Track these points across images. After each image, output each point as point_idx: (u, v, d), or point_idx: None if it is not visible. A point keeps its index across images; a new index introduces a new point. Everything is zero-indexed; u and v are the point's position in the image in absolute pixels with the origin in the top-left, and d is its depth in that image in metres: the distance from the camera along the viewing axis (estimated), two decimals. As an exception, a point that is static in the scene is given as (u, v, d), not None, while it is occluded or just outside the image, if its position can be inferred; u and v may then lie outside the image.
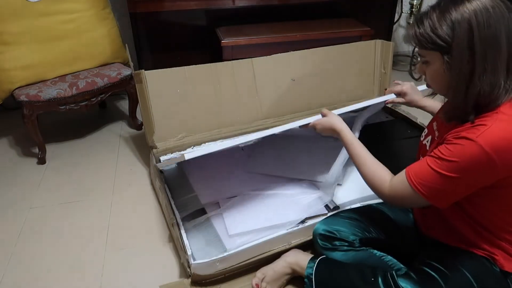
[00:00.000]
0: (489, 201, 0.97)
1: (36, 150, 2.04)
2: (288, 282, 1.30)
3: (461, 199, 0.97)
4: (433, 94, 1.17)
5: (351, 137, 1.18)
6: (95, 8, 2.07)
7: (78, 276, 1.39)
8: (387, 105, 1.46)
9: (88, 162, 2.02)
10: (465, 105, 0.90)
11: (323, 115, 1.30)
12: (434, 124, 1.12)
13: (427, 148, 1.10)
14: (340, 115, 1.30)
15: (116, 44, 2.18)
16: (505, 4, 0.86)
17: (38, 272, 1.41)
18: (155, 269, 1.40)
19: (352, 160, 1.16)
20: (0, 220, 1.65)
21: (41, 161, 2.01)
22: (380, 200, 1.40)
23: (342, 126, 1.21)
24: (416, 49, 0.98)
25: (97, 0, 2.08)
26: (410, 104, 1.43)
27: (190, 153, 1.27)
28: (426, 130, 1.16)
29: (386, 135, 1.81)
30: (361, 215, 1.25)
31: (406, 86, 1.43)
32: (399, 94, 1.45)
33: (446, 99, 1.03)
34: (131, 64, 1.85)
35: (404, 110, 2.10)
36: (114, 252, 1.48)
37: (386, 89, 1.49)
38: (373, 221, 1.23)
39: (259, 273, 1.28)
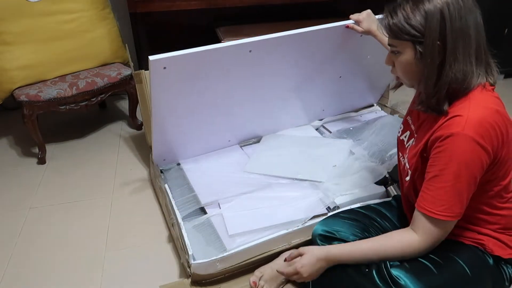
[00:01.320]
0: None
1: (36, 150, 2.04)
2: (287, 281, 1.30)
3: None
4: (395, 88, 1.18)
5: (343, 248, 1.05)
6: (95, 8, 2.07)
7: (78, 276, 1.39)
8: (347, 28, 1.60)
9: (88, 162, 2.02)
10: (438, 94, 0.93)
11: (300, 254, 1.09)
12: (409, 118, 1.14)
13: (405, 143, 1.12)
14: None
15: (116, 44, 2.18)
16: (473, 0, 0.91)
17: (38, 272, 1.41)
18: (155, 269, 1.40)
19: (369, 261, 1.04)
20: (0, 220, 1.65)
21: (41, 161, 2.01)
22: (379, 200, 1.42)
23: (324, 250, 1.06)
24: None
25: (97, 0, 2.08)
26: (366, 32, 1.54)
27: (156, 55, 1.24)
28: (401, 125, 1.18)
29: (386, 135, 1.82)
30: (361, 215, 1.25)
31: (363, 15, 1.54)
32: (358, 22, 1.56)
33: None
34: (131, 64, 1.85)
35: (404, 110, 2.10)
36: (114, 252, 1.48)
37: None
38: (372, 221, 1.23)
39: (257, 272, 1.28)
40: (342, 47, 1.70)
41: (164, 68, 1.29)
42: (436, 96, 0.93)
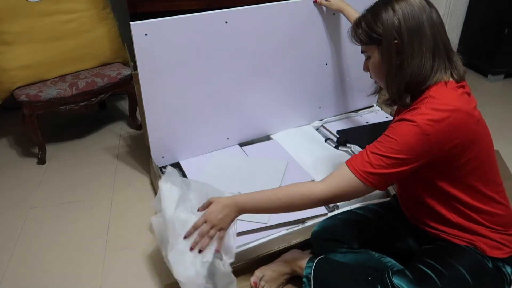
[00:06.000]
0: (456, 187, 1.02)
1: (36, 150, 2.04)
2: (287, 281, 1.30)
3: (432, 186, 1.02)
4: (376, 93, 1.22)
5: (249, 195, 1.04)
6: (95, 8, 2.07)
7: (78, 276, 1.39)
8: (314, 3, 1.71)
9: (88, 162, 2.02)
10: (398, 88, 1.01)
11: (209, 203, 1.07)
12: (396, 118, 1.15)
13: None
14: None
15: (116, 44, 2.18)
16: (426, 1, 0.99)
17: (38, 273, 1.41)
18: (155, 269, 1.41)
19: (275, 208, 1.04)
20: (0, 220, 1.66)
21: (41, 161, 2.01)
22: (380, 201, 1.42)
23: (231, 197, 1.04)
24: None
25: (97, 0, 2.08)
26: (331, 6, 1.67)
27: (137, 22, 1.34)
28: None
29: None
30: (359, 216, 1.26)
31: None
32: None
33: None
34: (131, 64, 1.85)
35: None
36: (114, 252, 1.49)
37: None
38: (371, 222, 1.24)
39: (258, 272, 1.28)
40: (317, 26, 1.76)
41: (146, 34, 1.35)
42: (396, 90, 1.02)
